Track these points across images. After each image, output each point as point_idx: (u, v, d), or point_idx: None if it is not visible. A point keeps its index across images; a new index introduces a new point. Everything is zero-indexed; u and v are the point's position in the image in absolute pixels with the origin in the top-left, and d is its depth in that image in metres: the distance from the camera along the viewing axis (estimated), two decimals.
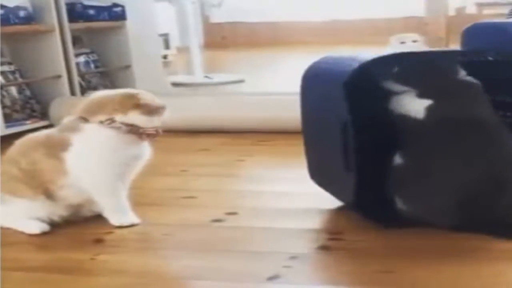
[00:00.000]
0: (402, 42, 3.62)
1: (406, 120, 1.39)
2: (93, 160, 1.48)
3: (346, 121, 1.38)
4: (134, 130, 1.49)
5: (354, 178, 1.40)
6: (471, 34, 1.64)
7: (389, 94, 1.42)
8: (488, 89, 1.43)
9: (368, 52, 1.49)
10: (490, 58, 1.50)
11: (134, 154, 1.51)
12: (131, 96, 1.51)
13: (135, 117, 1.49)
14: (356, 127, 1.38)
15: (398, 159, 1.38)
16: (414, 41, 3.59)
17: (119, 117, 1.48)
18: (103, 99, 1.52)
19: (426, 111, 1.38)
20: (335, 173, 1.50)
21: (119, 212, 1.52)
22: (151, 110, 1.50)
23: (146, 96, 1.52)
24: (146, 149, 1.54)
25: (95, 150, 1.48)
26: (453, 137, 1.35)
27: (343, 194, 1.52)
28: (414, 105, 1.39)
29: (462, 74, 1.42)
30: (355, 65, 1.40)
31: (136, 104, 1.49)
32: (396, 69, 1.42)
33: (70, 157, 1.48)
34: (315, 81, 1.57)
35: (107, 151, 1.49)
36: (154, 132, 1.52)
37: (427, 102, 1.38)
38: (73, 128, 1.50)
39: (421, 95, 1.39)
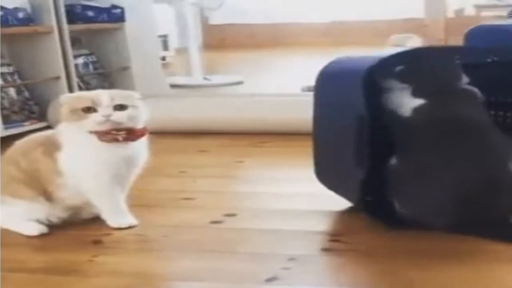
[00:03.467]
0: (400, 45, 3.60)
1: (403, 121, 1.39)
2: (73, 158, 1.47)
3: (362, 115, 1.37)
4: (93, 131, 1.45)
5: (362, 176, 1.39)
6: (473, 36, 1.64)
7: (389, 93, 1.42)
8: (489, 89, 1.42)
9: (383, 51, 1.49)
10: (495, 59, 1.50)
11: (120, 155, 1.47)
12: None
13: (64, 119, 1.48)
14: (371, 122, 1.37)
15: (394, 161, 1.38)
16: None
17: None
18: None
19: (422, 112, 1.38)
20: (344, 172, 1.49)
21: (117, 214, 1.52)
22: (72, 113, 1.45)
23: (79, 98, 1.47)
24: (138, 152, 1.50)
25: (71, 149, 1.47)
26: (448, 139, 1.35)
27: (351, 195, 1.51)
28: (410, 105, 1.39)
29: (464, 81, 1.43)
30: (374, 60, 1.39)
31: (60, 105, 1.48)
32: (399, 68, 1.41)
33: (61, 156, 1.48)
34: (331, 80, 1.56)
35: (81, 149, 1.47)
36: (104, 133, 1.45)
37: (423, 103, 1.38)
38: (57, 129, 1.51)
39: (418, 95, 1.39)
